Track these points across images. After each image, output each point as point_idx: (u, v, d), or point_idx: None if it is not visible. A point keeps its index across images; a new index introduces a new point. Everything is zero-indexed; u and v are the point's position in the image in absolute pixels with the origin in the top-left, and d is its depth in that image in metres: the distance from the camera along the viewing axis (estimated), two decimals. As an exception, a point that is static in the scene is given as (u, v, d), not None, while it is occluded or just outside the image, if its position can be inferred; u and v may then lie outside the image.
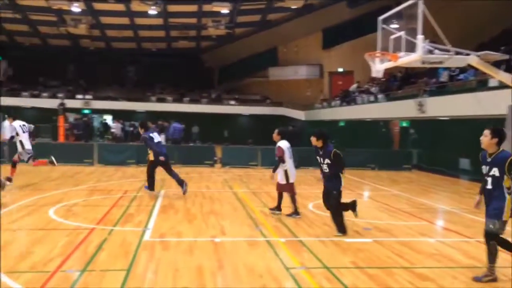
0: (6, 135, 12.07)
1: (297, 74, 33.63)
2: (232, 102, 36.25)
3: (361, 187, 13.19)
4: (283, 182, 8.07)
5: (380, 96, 22.44)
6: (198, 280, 4.88)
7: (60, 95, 32.38)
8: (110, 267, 5.18)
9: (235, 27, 32.83)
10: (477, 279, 4.99)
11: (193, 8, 29.18)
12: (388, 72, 18.87)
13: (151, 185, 9.98)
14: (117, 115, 33.04)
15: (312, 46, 32.77)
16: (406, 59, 9.68)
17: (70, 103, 31.49)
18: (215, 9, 28.08)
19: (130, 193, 10.50)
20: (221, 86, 41.69)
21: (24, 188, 10.77)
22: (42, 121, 28.63)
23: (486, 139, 4.98)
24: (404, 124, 20.72)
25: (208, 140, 30.46)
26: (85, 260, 5.39)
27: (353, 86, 27.34)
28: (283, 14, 30.95)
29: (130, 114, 33.59)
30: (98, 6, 29.17)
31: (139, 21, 32.16)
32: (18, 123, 11.51)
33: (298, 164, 17.27)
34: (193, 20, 31.82)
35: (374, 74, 10.80)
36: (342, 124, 26.98)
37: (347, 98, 26.45)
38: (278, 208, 8.31)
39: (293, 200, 8.14)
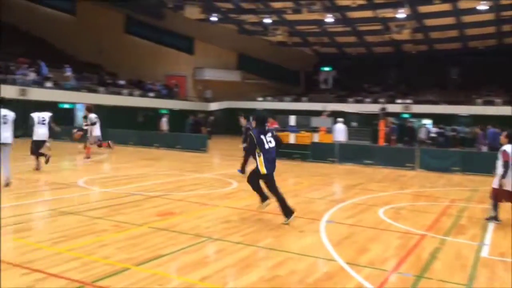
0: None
1: None
2: None
3: None
4: (496, 187, 7.58)
5: None
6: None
7: (381, 100, 33.83)
8: (447, 278, 4.92)
9: None
10: None
11: (534, -5, 25.27)
12: None
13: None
14: (437, 119, 31.94)
15: None
16: None
17: (390, 108, 32.40)
18: None
19: (458, 202, 9.87)
20: None
21: (354, 187, 11.64)
22: (363, 125, 30.71)
23: None
24: None
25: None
26: (420, 266, 5.31)
27: None
28: None
29: (451, 118, 31.93)
30: (423, 9, 28.99)
31: (466, 19, 30.16)
32: (93, 115, 15.26)
33: None
34: (533, 10, 27.54)
35: None
36: None
37: None
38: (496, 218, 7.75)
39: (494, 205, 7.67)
